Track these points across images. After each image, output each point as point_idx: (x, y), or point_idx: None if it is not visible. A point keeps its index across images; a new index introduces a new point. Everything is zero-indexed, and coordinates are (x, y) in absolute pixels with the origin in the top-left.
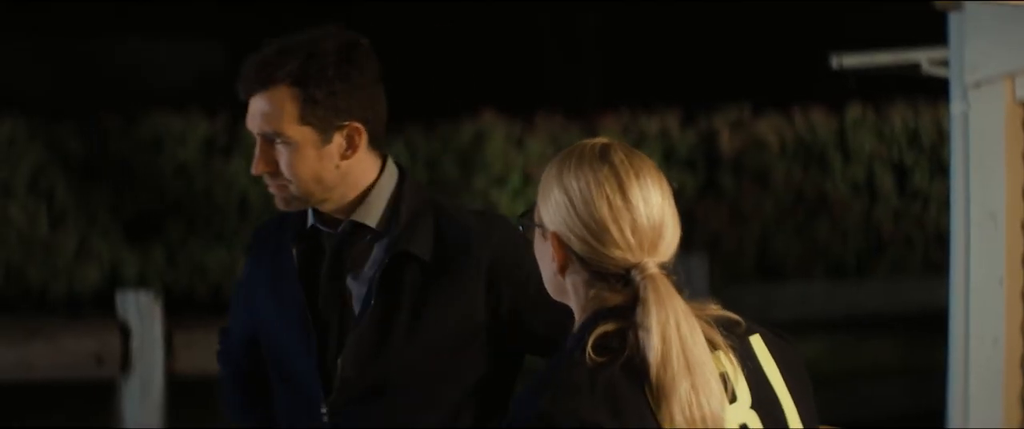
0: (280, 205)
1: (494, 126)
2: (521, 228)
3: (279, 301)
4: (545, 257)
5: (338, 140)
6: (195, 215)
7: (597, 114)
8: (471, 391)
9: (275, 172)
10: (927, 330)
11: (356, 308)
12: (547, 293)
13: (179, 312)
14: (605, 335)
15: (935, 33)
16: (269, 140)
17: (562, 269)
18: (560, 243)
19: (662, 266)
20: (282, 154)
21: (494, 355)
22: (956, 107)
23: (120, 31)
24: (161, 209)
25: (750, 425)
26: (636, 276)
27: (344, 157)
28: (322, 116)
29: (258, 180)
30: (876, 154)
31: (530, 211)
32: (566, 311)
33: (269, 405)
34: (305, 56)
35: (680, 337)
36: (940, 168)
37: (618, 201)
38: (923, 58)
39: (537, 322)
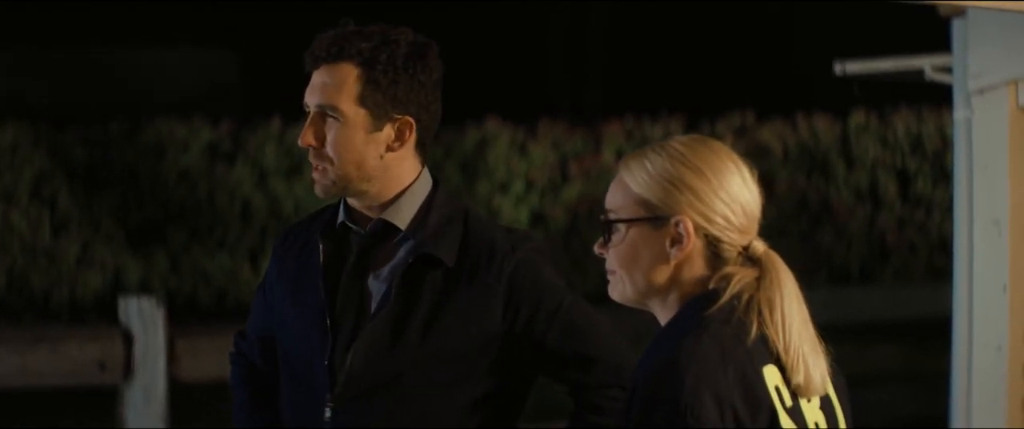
0: (318, 192)
1: (498, 133)
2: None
3: (300, 298)
4: (652, 248)
5: (388, 130)
6: (198, 222)
7: (601, 121)
8: (476, 404)
9: (320, 150)
10: (931, 337)
11: (373, 307)
12: (566, 315)
13: (182, 319)
14: (739, 313)
15: (939, 40)
16: (322, 114)
17: (684, 255)
18: (694, 228)
19: None
20: (331, 130)
21: (504, 370)
22: (960, 113)
23: (125, 38)
24: (164, 216)
25: (821, 424)
26: (754, 254)
27: (390, 148)
28: (380, 102)
29: (262, 186)
30: (880, 161)
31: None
32: (582, 336)
33: (277, 406)
34: (380, 40)
35: (805, 313)
36: (944, 175)
37: (746, 186)
38: (926, 65)
39: (550, 341)
